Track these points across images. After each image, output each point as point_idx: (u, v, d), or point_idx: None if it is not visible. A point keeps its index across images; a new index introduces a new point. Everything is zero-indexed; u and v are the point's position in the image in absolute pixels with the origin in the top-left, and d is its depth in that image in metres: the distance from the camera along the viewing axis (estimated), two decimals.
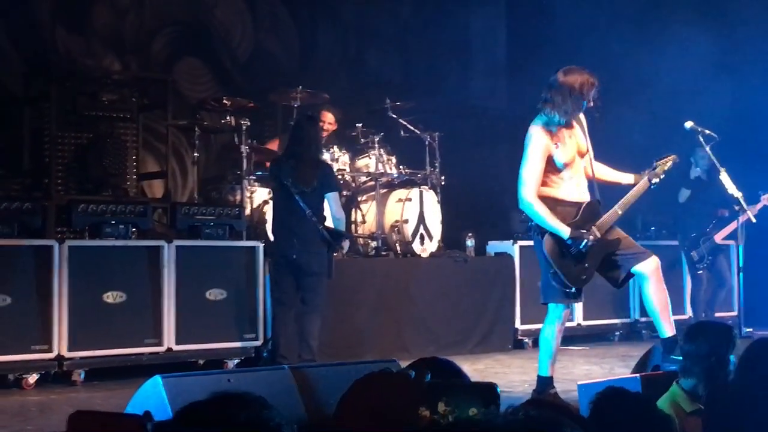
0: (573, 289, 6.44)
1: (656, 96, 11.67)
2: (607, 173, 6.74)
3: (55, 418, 6.38)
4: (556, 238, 6.33)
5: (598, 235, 6.36)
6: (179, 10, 11.64)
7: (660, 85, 11.70)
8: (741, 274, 7.73)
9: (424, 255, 10.28)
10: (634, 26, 12.47)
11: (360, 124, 10.55)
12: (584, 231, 6.30)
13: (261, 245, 9.04)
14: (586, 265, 6.40)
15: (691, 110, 8.16)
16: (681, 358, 4.75)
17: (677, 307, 11.19)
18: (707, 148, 7.12)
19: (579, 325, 10.79)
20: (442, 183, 10.75)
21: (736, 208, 7.33)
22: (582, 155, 6.50)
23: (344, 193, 9.79)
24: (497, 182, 12.98)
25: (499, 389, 3.73)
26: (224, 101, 10.07)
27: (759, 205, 10.34)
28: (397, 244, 10.21)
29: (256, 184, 9.85)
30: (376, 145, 10.25)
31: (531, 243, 10.35)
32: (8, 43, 10.23)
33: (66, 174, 9.70)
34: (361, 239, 10.23)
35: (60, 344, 7.96)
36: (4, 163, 9.91)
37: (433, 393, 3.06)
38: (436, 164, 10.75)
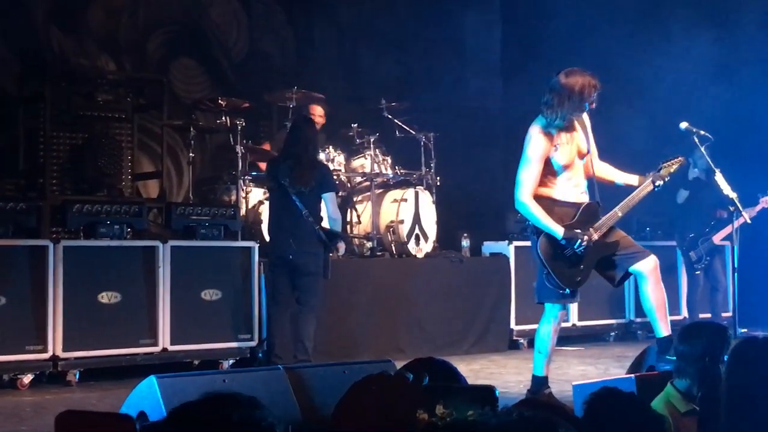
0: (567, 291, 6.43)
1: (654, 97, 11.67)
2: (612, 173, 6.71)
3: (49, 418, 6.32)
4: (551, 239, 6.33)
5: (594, 236, 6.35)
6: (174, 10, 11.64)
7: (657, 86, 11.70)
8: (736, 274, 7.71)
9: (420, 255, 10.29)
10: (631, 27, 12.47)
11: (355, 125, 10.55)
12: (578, 232, 6.29)
13: (256, 245, 9.04)
14: (581, 267, 6.39)
15: (689, 112, 8.16)
16: (675, 358, 4.75)
17: (672, 307, 11.19)
18: (702, 149, 7.12)
19: (574, 325, 10.80)
20: (438, 183, 10.76)
21: (731, 208, 7.32)
22: (582, 156, 6.49)
23: (340, 193, 9.79)
24: (492, 183, 13.00)
25: (498, 392, 3.73)
26: (219, 101, 10.07)
27: (758, 207, 10.33)
28: (392, 245, 10.21)
29: (251, 184, 9.85)
30: (372, 146, 10.26)
31: (526, 243, 10.45)
32: (3, 44, 10.23)
33: (61, 174, 9.70)
34: (356, 240, 10.23)
35: (55, 344, 7.94)
36: None
37: (430, 396, 3.06)
38: (432, 165, 10.76)
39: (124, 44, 11.18)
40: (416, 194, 10.31)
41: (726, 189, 7.13)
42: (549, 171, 6.39)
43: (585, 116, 6.51)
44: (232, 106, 10.12)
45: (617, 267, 6.48)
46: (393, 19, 13.02)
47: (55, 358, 7.97)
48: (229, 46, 12.02)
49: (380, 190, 10.43)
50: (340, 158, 10.21)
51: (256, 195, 9.82)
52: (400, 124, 10.74)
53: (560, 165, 6.38)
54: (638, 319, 11.14)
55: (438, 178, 10.78)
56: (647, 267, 6.40)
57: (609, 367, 8.95)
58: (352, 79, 12.57)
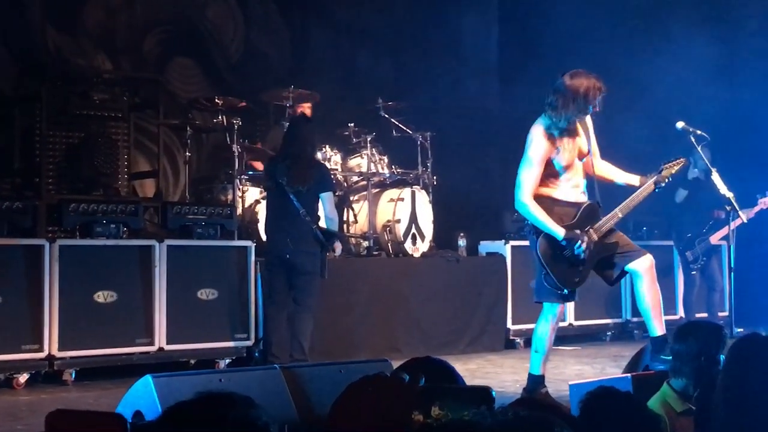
0: (566, 291, 6.43)
1: (653, 97, 11.66)
2: (613, 173, 6.70)
3: (47, 414, 6.35)
4: (550, 239, 6.32)
5: (594, 237, 6.34)
6: (170, 10, 11.62)
7: (656, 86, 11.69)
8: (732, 274, 7.71)
9: (416, 255, 10.28)
10: (629, 26, 12.47)
11: (352, 124, 10.55)
12: (579, 233, 6.28)
13: (253, 245, 9.04)
14: (580, 268, 6.38)
15: (689, 112, 8.16)
16: (670, 358, 4.75)
17: (669, 307, 11.21)
18: (699, 148, 7.12)
19: (571, 325, 10.80)
20: (434, 183, 10.76)
21: (728, 208, 7.32)
22: (582, 157, 6.48)
23: (336, 192, 9.78)
24: (489, 182, 13.01)
25: (494, 393, 3.73)
26: (216, 101, 10.07)
27: (756, 209, 10.32)
28: (389, 244, 10.21)
29: (247, 183, 9.84)
30: (368, 145, 10.25)
31: (523, 243, 10.47)
32: None
33: (57, 173, 9.69)
34: (353, 239, 10.23)
35: (51, 344, 7.94)
36: None
37: (427, 397, 3.06)
38: (428, 164, 10.77)
39: (121, 43, 11.17)
40: (413, 194, 10.31)
41: (723, 188, 7.13)
42: (550, 172, 6.37)
43: (587, 116, 6.50)
44: (229, 105, 10.11)
45: (614, 266, 6.48)
46: (390, 18, 13.01)
47: (51, 358, 7.96)
48: (226, 45, 12.00)
49: (377, 190, 10.42)
50: (336, 157, 10.21)
51: (253, 194, 9.81)
52: (396, 123, 10.73)
53: (561, 166, 6.37)
54: (635, 319, 11.14)
55: (435, 177, 10.78)
56: (643, 266, 6.40)
57: (605, 366, 8.95)
58: (348, 79, 12.56)
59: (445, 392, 3.68)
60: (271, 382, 5.16)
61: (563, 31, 12.14)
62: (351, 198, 10.41)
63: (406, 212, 10.23)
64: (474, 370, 8.78)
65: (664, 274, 11.22)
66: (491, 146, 13.33)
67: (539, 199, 6.33)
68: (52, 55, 10.58)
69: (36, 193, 9.36)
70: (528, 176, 6.31)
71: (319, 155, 9.68)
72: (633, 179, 6.68)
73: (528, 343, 9.75)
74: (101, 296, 8.23)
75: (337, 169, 10.11)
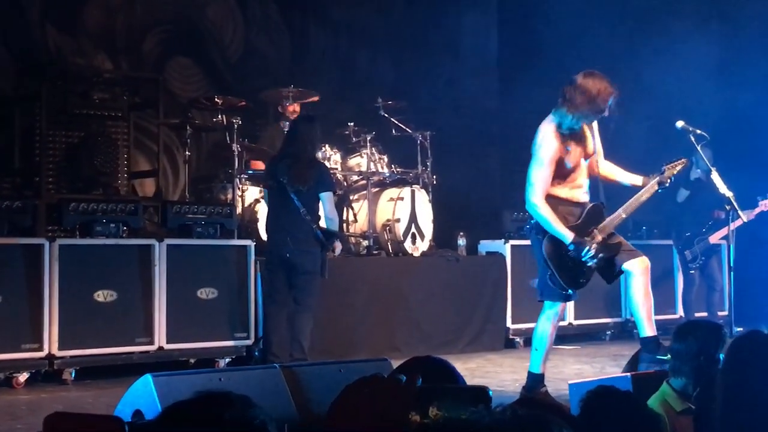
0: (570, 291, 6.44)
1: (653, 97, 11.66)
2: (616, 173, 6.70)
3: (44, 417, 6.36)
4: (556, 241, 6.31)
5: (599, 238, 6.35)
6: (170, 10, 11.62)
7: (657, 86, 11.69)
8: (732, 273, 7.72)
9: (416, 254, 10.28)
10: (629, 27, 12.47)
11: (352, 123, 10.54)
12: (587, 239, 6.28)
13: (252, 244, 9.04)
14: (584, 269, 6.39)
15: (689, 113, 8.17)
16: (667, 357, 4.75)
17: (668, 306, 11.27)
18: (698, 147, 7.12)
19: (570, 324, 10.79)
20: (434, 182, 10.76)
21: (728, 207, 7.31)
22: (586, 157, 6.48)
23: (336, 192, 9.77)
24: (489, 182, 13.02)
25: (491, 392, 3.72)
26: (216, 100, 10.08)
27: (756, 210, 10.32)
28: (388, 244, 10.20)
29: (247, 182, 9.84)
30: (368, 144, 10.24)
31: (523, 242, 10.48)
32: None
33: (57, 173, 9.68)
34: (352, 238, 10.23)
35: (50, 343, 7.94)
36: None
37: (424, 398, 3.05)
38: (428, 163, 10.76)
39: (121, 43, 11.17)
40: (413, 193, 10.31)
41: (722, 188, 7.13)
42: (558, 172, 6.35)
43: None
44: (229, 104, 10.12)
45: (614, 265, 6.49)
46: (389, 18, 13.01)
47: (50, 357, 7.96)
48: (225, 45, 12.00)
49: (376, 189, 10.42)
50: (336, 157, 10.21)
51: (252, 193, 9.81)
52: (396, 122, 10.73)
53: (570, 166, 6.36)
54: (633, 318, 11.12)
55: (434, 176, 10.78)
56: (639, 267, 6.41)
57: (605, 365, 8.96)
58: (348, 78, 12.56)
59: (443, 392, 3.68)
60: (270, 382, 5.16)
61: (563, 30, 12.13)
62: (351, 197, 10.41)
63: (405, 211, 10.23)
64: (474, 369, 8.78)
65: (664, 274, 11.24)
66: (491, 145, 13.33)
67: (544, 197, 6.32)
68: (52, 54, 10.58)
69: (36, 192, 9.36)
70: (539, 176, 6.29)
71: (318, 154, 9.68)
72: (636, 179, 6.68)
73: (528, 342, 9.76)
74: (101, 295, 8.23)
75: (336, 169, 10.11)
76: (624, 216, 6.52)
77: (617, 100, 6.31)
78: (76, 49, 10.78)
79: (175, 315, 8.53)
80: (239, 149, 9.75)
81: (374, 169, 10.29)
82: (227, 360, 8.80)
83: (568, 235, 6.26)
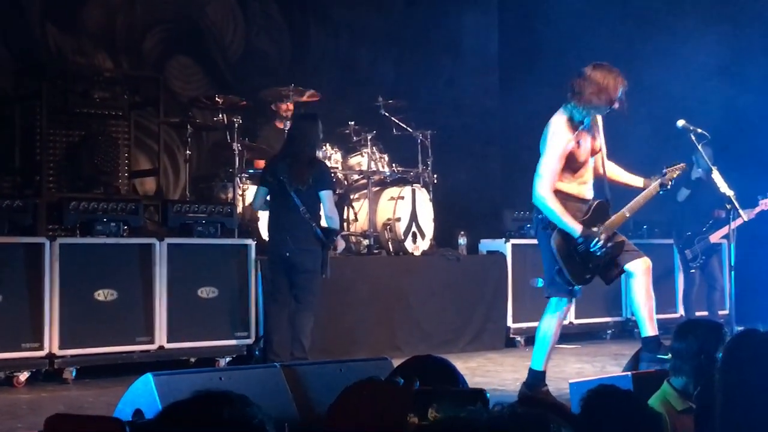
0: (576, 287, 6.43)
1: (653, 97, 11.66)
2: (618, 173, 6.71)
3: (45, 416, 6.32)
4: (565, 235, 6.29)
5: (605, 235, 6.35)
6: (171, 9, 11.62)
7: (657, 86, 11.68)
8: (732, 272, 7.71)
9: (417, 253, 10.28)
10: (629, 25, 12.46)
11: (352, 122, 10.54)
12: (595, 230, 6.28)
13: (253, 243, 9.04)
14: (590, 265, 6.39)
15: (690, 112, 8.15)
16: (668, 356, 4.75)
17: (669, 305, 11.27)
18: (699, 146, 7.12)
19: (571, 323, 10.76)
20: (435, 181, 10.76)
21: (728, 206, 7.31)
22: (594, 153, 6.48)
23: (337, 191, 9.77)
24: (490, 181, 13.01)
25: (488, 395, 3.73)
26: (216, 99, 10.08)
27: (757, 209, 10.32)
28: (389, 243, 10.20)
29: (248, 181, 9.84)
30: (369, 143, 10.25)
31: (523, 241, 10.49)
32: None
33: (57, 171, 9.68)
34: (353, 237, 10.23)
35: (51, 342, 7.94)
36: None
37: (422, 399, 3.06)
38: (429, 162, 10.76)
39: (121, 42, 11.17)
40: (413, 192, 10.31)
41: (723, 187, 7.13)
42: (567, 166, 6.33)
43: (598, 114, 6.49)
44: (229, 103, 10.12)
45: (617, 265, 6.49)
46: (390, 17, 13.01)
47: (51, 356, 7.96)
48: (226, 44, 12.00)
49: (377, 188, 10.42)
50: (336, 156, 10.21)
51: (253, 192, 9.80)
52: (397, 121, 10.73)
53: (579, 161, 6.35)
54: (635, 318, 11.11)
55: (435, 175, 10.77)
56: (641, 267, 6.41)
57: (606, 365, 8.95)
58: (348, 77, 12.56)
59: (441, 394, 3.68)
60: (271, 381, 5.16)
61: (563, 30, 12.13)
62: (351, 196, 10.41)
63: (406, 210, 10.22)
64: (474, 368, 8.78)
65: (665, 273, 11.24)
66: (491, 145, 13.32)
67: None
68: (53, 53, 10.58)
69: (36, 191, 9.36)
70: (549, 168, 6.25)
71: (319, 153, 9.69)
72: (637, 181, 6.71)
73: (528, 341, 9.78)
74: (102, 294, 8.23)
75: (337, 168, 10.11)
76: (628, 215, 6.54)
77: (625, 90, 6.31)
78: (76, 48, 10.78)
79: (176, 314, 8.53)
80: (240, 148, 9.76)
81: (375, 168, 10.29)
82: (228, 359, 8.79)
83: (577, 228, 6.25)
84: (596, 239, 6.25)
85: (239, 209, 9.54)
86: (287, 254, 8.12)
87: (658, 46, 12.03)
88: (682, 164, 6.75)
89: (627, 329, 11.37)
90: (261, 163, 10.03)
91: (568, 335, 10.50)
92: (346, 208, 10.25)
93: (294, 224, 8.09)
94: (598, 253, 6.29)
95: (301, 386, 5.18)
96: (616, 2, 12.48)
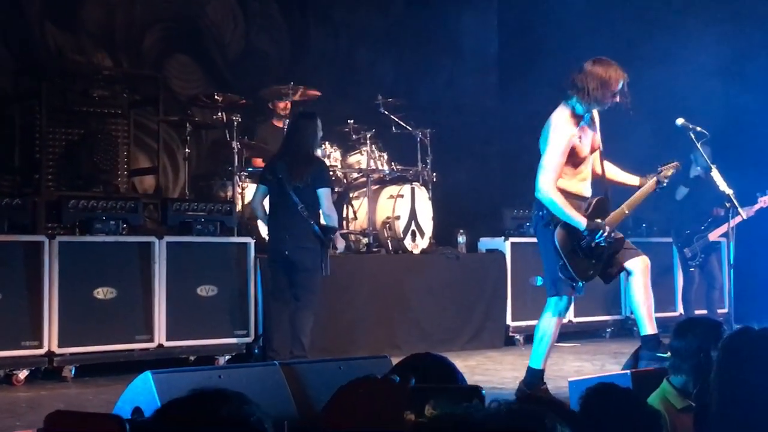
0: (580, 283, 6.43)
1: (653, 97, 11.64)
2: (614, 172, 6.72)
3: (44, 414, 6.33)
4: (569, 230, 6.28)
5: (609, 228, 6.36)
6: (170, 7, 11.63)
7: (657, 85, 11.67)
8: (732, 271, 7.72)
9: (416, 252, 10.28)
10: (629, 25, 12.46)
11: (351, 120, 10.54)
12: (600, 222, 6.27)
13: (252, 241, 9.04)
14: (593, 261, 6.39)
15: (690, 111, 8.15)
16: (667, 355, 4.75)
17: (668, 304, 11.27)
18: (698, 145, 7.12)
19: (570, 321, 10.76)
20: (434, 180, 10.76)
21: (727, 204, 7.31)
22: (594, 150, 6.48)
23: (336, 189, 9.78)
24: (489, 179, 13.02)
25: (484, 392, 3.73)
26: (216, 97, 10.07)
27: (756, 207, 10.32)
28: (388, 241, 10.20)
29: (247, 180, 9.84)
30: (368, 142, 10.25)
31: (523, 239, 10.48)
32: None
33: (56, 170, 9.67)
34: (352, 236, 10.23)
35: (50, 340, 7.94)
36: None
37: (419, 397, 3.06)
38: (428, 161, 10.76)
39: (120, 41, 11.17)
40: (412, 190, 10.31)
41: (722, 185, 7.13)
42: (569, 161, 6.32)
43: (595, 111, 6.49)
44: (229, 102, 10.12)
45: (616, 263, 6.49)
46: (389, 15, 13.01)
47: (50, 354, 7.97)
48: (225, 43, 12.00)
49: (376, 186, 10.42)
50: (336, 154, 10.21)
51: (252, 191, 9.80)
52: (396, 120, 10.73)
53: (580, 156, 6.34)
54: (634, 316, 11.11)
55: (434, 174, 10.77)
56: (640, 266, 6.42)
57: (605, 363, 8.96)
58: (348, 76, 12.56)
59: (437, 392, 3.67)
60: (270, 379, 5.15)
61: (563, 30, 12.13)
62: (350, 195, 10.41)
63: (405, 209, 10.22)
64: (474, 366, 8.78)
65: (664, 271, 11.24)
66: (490, 143, 13.33)
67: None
68: (52, 52, 10.58)
69: (35, 189, 9.36)
70: (552, 162, 6.22)
71: (318, 152, 9.68)
72: (633, 179, 6.72)
73: (528, 339, 9.77)
74: (101, 293, 8.23)
75: (336, 166, 10.11)
76: (627, 212, 6.54)
77: (627, 84, 6.31)
78: (75, 46, 10.78)
79: (175, 312, 8.53)
80: (239, 147, 9.76)
81: (374, 167, 10.29)
82: (227, 357, 8.80)
83: (581, 221, 6.24)
84: (601, 230, 6.24)
85: (238, 207, 9.54)
86: (286, 252, 8.12)
87: (658, 45, 12.02)
88: (676, 162, 6.77)
89: (626, 327, 11.38)
90: (260, 162, 10.05)
91: (567, 333, 10.51)
92: (345, 206, 10.25)
93: (292, 222, 8.10)
94: (603, 244, 6.28)
95: (300, 384, 5.17)
96: (616, 2, 12.47)
